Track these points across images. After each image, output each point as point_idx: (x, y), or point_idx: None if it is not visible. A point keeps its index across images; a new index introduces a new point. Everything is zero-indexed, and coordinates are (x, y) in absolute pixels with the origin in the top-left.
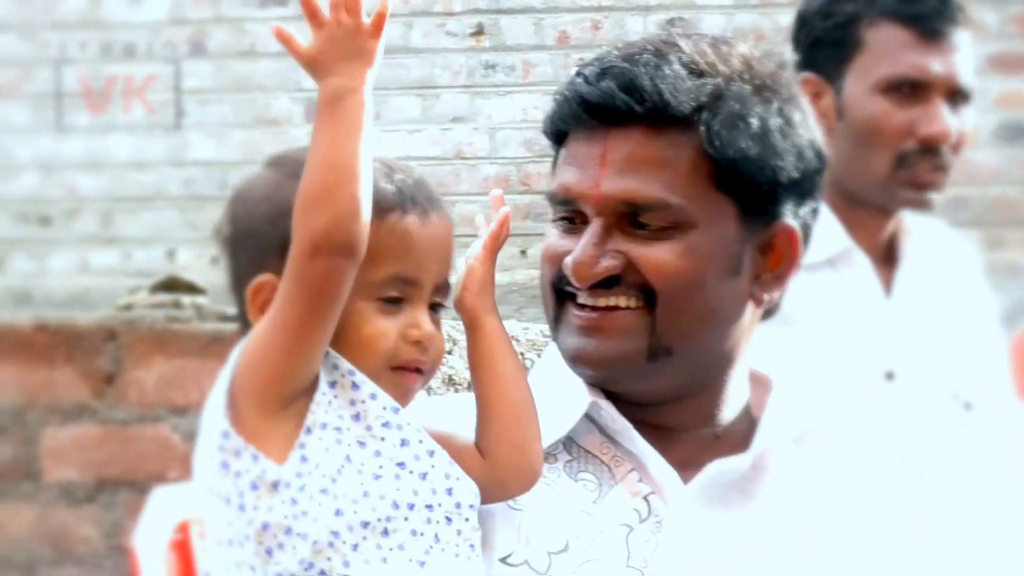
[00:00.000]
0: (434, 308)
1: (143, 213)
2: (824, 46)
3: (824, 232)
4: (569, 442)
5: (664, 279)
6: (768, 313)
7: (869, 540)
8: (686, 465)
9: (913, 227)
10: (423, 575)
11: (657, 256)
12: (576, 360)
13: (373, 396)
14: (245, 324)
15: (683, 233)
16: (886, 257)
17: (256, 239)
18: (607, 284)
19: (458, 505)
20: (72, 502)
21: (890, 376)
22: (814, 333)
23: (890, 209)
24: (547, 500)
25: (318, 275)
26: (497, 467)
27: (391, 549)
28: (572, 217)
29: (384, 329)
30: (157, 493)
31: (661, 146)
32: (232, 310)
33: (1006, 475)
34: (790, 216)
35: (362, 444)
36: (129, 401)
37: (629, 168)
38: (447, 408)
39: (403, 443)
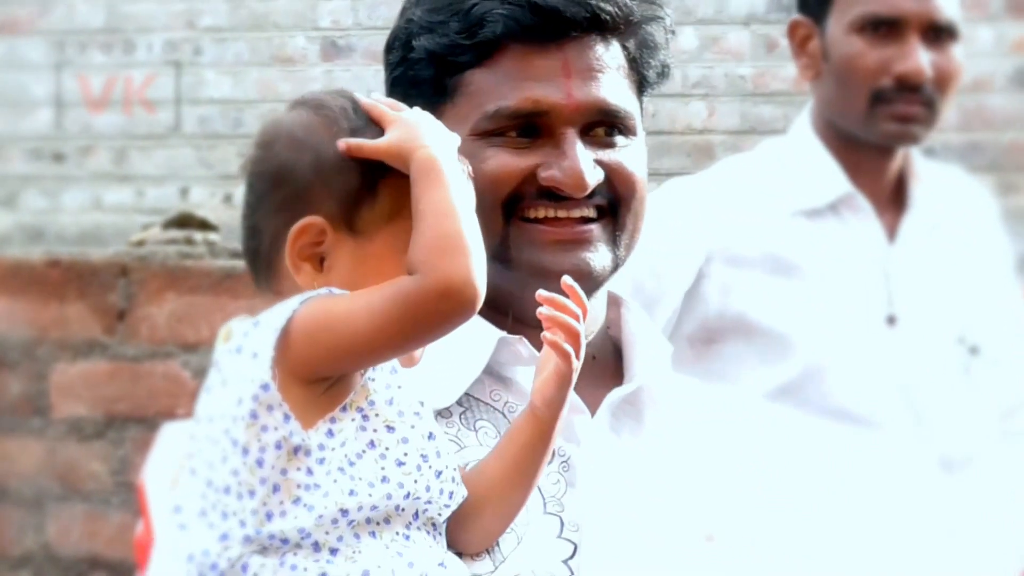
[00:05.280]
0: None
1: (157, 151)
2: None
3: (825, 176)
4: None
5: (629, 186)
6: None
7: (749, 456)
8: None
9: (924, 172)
10: (410, 568)
11: (622, 162)
12: (556, 276)
13: (405, 385)
14: (255, 259)
15: (631, 140)
16: (894, 202)
17: (294, 179)
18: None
19: (447, 506)
20: (81, 438)
21: (892, 321)
22: (817, 279)
23: (886, 147)
24: (454, 454)
25: (437, 317)
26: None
27: (388, 536)
28: (522, 132)
29: None
30: (166, 429)
31: (610, 55)
32: None
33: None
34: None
35: (390, 429)
36: (140, 337)
37: (592, 77)
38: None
39: (430, 436)
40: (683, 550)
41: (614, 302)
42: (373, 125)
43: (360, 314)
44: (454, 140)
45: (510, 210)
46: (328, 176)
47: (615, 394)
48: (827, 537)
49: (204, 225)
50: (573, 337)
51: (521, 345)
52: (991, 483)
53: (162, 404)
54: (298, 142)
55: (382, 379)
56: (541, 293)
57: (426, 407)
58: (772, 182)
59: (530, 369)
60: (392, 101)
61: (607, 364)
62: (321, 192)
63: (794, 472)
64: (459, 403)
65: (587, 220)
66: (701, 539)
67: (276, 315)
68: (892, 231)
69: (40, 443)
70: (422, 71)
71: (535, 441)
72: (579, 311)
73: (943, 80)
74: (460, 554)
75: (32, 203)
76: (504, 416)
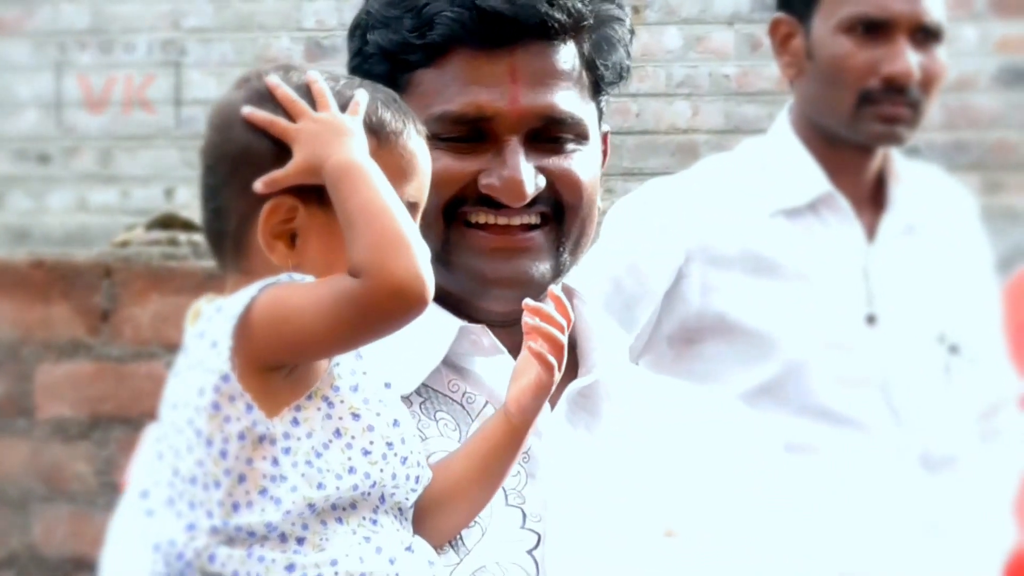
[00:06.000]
0: None
1: (142, 151)
2: None
3: (804, 176)
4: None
5: (575, 193)
6: None
7: (702, 449)
8: None
9: (904, 172)
10: (377, 553)
11: (569, 169)
12: (495, 283)
13: (370, 370)
14: (220, 241)
15: (582, 145)
16: (874, 201)
17: (258, 160)
18: (527, 203)
19: (413, 490)
20: (66, 438)
21: (872, 320)
22: (797, 279)
23: (869, 147)
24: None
25: (390, 316)
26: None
27: (354, 521)
28: (466, 135)
29: None
30: (151, 430)
31: (561, 59)
32: None
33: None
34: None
35: (356, 416)
36: (124, 338)
37: (541, 83)
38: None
39: (395, 423)
40: (643, 542)
41: (568, 294)
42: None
43: (311, 311)
44: (361, 139)
45: (451, 214)
46: (277, 147)
47: (573, 386)
48: (806, 536)
49: (188, 226)
50: (557, 349)
51: (484, 335)
52: (972, 482)
53: (147, 405)
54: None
55: (347, 365)
56: (527, 303)
57: (392, 390)
58: (752, 182)
59: (490, 360)
60: (296, 104)
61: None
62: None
63: (763, 469)
64: (418, 393)
65: (530, 227)
66: (660, 532)
67: (235, 302)
68: (871, 231)
69: (25, 444)
70: (375, 66)
71: (506, 444)
72: (564, 322)
73: (928, 81)
74: None
75: (17, 204)
76: (462, 407)
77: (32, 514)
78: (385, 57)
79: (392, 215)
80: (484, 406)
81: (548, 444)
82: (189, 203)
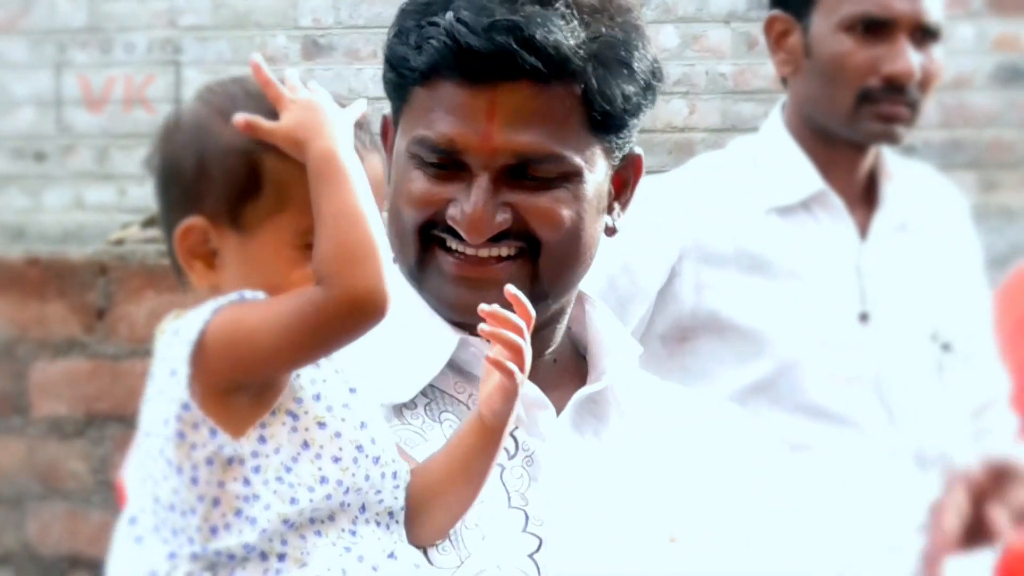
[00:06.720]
0: None
1: (139, 149)
2: None
3: (798, 174)
4: (426, 385)
5: (552, 230)
6: None
7: (716, 459)
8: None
9: (895, 170)
10: (359, 562)
11: (547, 207)
12: (459, 311)
13: (336, 372)
14: (171, 255)
15: (569, 182)
16: (866, 199)
17: (183, 178)
18: (495, 237)
19: (396, 487)
20: (61, 436)
21: (865, 318)
22: (789, 276)
23: (862, 145)
24: (417, 446)
25: (347, 326)
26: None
27: (334, 533)
28: (443, 163)
29: (310, 274)
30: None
31: (548, 98)
32: None
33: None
34: (635, 141)
35: (322, 425)
36: (119, 336)
37: (519, 121)
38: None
39: (362, 425)
40: (646, 548)
41: (579, 299)
42: (268, 111)
43: (270, 326)
44: (349, 128)
45: (426, 235)
46: (211, 173)
47: (582, 393)
48: (801, 534)
49: None
50: (516, 352)
51: (484, 346)
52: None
53: (142, 403)
54: (185, 138)
55: (307, 374)
56: (483, 307)
57: (358, 393)
58: (745, 180)
59: None
60: (294, 80)
61: (568, 364)
62: (205, 189)
63: (764, 471)
64: (424, 394)
65: (500, 259)
66: (664, 539)
67: (189, 326)
68: (864, 228)
69: (20, 442)
70: (387, 72)
71: (483, 445)
72: (523, 324)
73: (926, 80)
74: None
75: (13, 202)
76: (469, 408)
77: (28, 512)
78: (391, 67)
79: (364, 223)
80: None
81: (552, 448)
82: None
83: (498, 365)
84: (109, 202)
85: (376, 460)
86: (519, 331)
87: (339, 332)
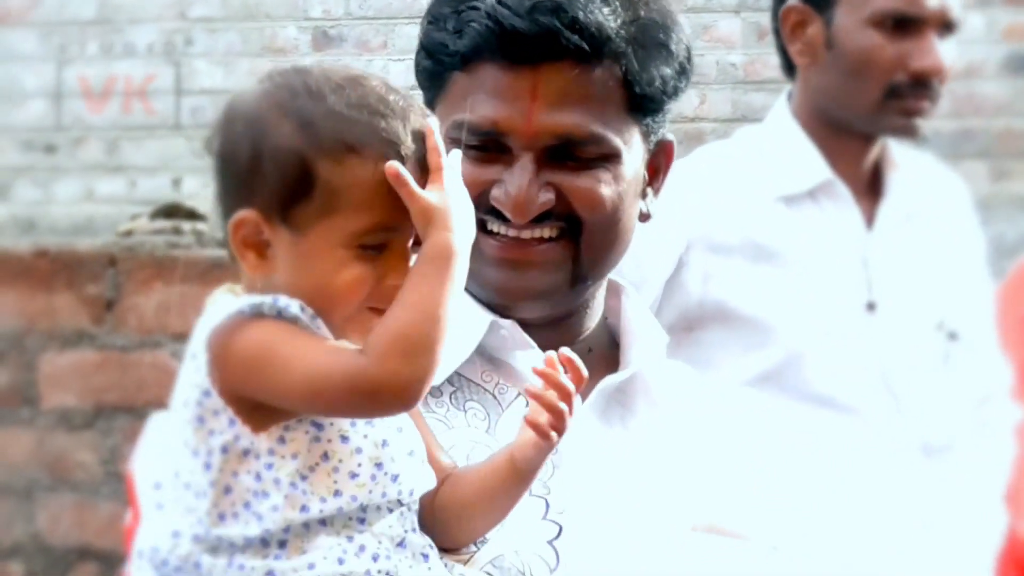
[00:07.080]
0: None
1: (149, 142)
2: None
3: (805, 163)
4: (451, 373)
5: (594, 210)
6: None
7: (736, 448)
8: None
9: (900, 160)
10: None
11: (589, 187)
12: (501, 293)
13: None
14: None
15: (610, 163)
16: (871, 189)
17: (238, 169)
18: (538, 218)
19: (412, 492)
20: (70, 428)
21: (871, 307)
22: (796, 266)
23: (873, 137)
24: (441, 434)
25: (365, 405)
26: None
27: (338, 524)
28: (486, 145)
29: (363, 276)
30: (155, 419)
31: (590, 79)
32: None
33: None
34: (667, 128)
35: (345, 440)
36: (128, 327)
37: (562, 103)
38: None
39: (384, 443)
40: (665, 536)
41: (614, 290)
42: (325, 110)
43: (298, 366)
44: (473, 229)
45: None
46: (265, 170)
47: (608, 381)
48: (808, 523)
49: (192, 215)
50: (558, 416)
51: (515, 330)
52: (971, 468)
53: (151, 394)
54: (243, 129)
55: None
56: (536, 368)
57: None
58: (752, 169)
59: (523, 353)
60: (456, 160)
61: (603, 353)
62: (259, 185)
63: (781, 462)
64: (449, 382)
65: (543, 240)
66: (685, 528)
67: (219, 311)
68: (869, 218)
69: (29, 433)
70: (423, 60)
71: (513, 483)
72: (572, 388)
73: (946, 73)
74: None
75: (24, 194)
76: (494, 397)
77: (37, 503)
78: (428, 55)
79: (439, 323)
80: (516, 398)
81: (576, 436)
82: (196, 193)
83: (538, 429)
84: (119, 194)
85: (395, 478)
86: (567, 397)
87: (357, 406)
